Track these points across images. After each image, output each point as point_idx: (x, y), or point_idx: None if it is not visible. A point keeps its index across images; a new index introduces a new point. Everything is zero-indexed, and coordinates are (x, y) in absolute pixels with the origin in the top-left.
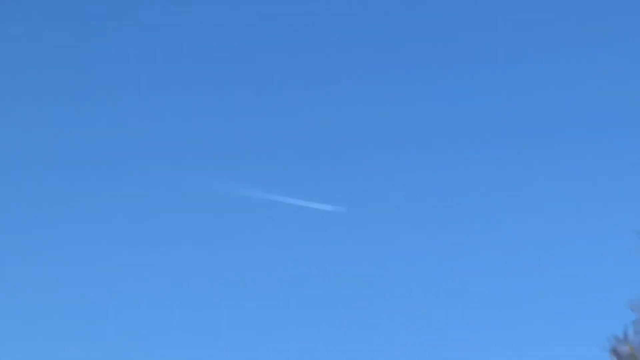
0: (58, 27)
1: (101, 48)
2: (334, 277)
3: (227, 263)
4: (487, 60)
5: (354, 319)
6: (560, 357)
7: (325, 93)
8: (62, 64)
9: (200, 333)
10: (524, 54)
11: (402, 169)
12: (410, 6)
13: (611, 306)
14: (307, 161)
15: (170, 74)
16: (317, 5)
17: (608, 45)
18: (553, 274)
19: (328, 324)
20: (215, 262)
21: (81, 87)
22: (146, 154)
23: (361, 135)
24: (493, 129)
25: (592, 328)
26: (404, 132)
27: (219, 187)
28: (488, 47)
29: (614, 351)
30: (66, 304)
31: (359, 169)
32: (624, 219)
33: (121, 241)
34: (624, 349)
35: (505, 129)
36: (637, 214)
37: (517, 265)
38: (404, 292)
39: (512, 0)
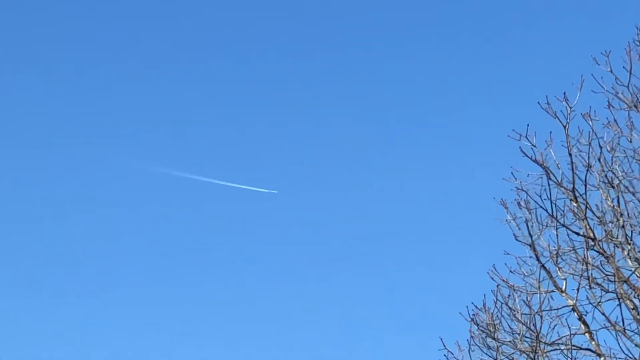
0: None
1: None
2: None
3: (168, 242)
4: None
5: (284, 295)
6: (421, 325)
7: (261, 75)
8: None
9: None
10: None
11: (331, 153)
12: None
13: (472, 274)
14: (244, 146)
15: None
16: None
17: None
18: (414, 241)
19: (263, 300)
20: (154, 240)
21: None
22: (75, 133)
23: (294, 124)
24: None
25: (453, 297)
26: (334, 118)
27: (159, 170)
28: None
29: (473, 320)
30: None
31: (291, 153)
32: (485, 186)
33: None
34: (483, 317)
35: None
36: (499, 181)
37: (376, 233)
38: (334, 269)
39: None
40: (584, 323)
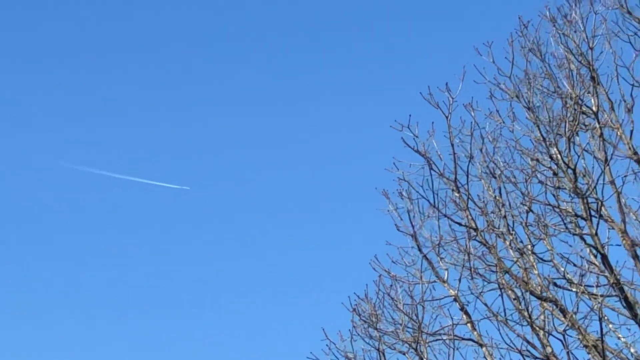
0: None
1: None
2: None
3: (77, 238)
4: None
5: (195, 289)
6: (303, 316)
7: (167, 77)
8: None
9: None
10: None
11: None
12: None
13: (354, 265)
14: (154, 143)
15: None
16: None
17: None
18: (297, 232)
19: (172, 295)
20: (64, 236)
21: None
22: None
23: (206, 122)
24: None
25: (335, 287)
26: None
27: (69, 164)
28: None
29: (355, 310)
30: None
31: (203, 151)
32: (367, 177)
33: None
34: (366, 307)
35: None
36: (381, 171)
37: (259, 220)
38: (245, 265)
39: None
40: (466, 313)
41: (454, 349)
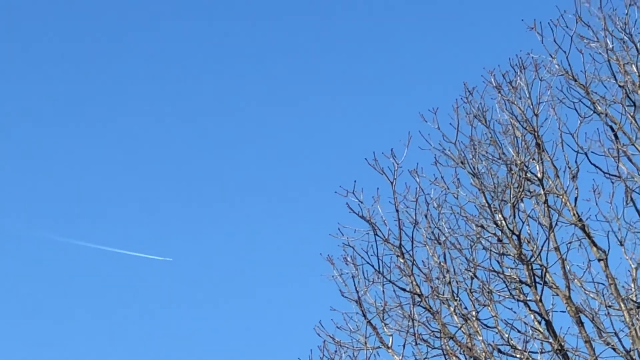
0: None
1: None
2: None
3: (59, 311)
4: None
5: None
6: None
7: (149, 150)
8: None
9: None
10: None
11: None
12: None
13: (298, 330)
14: (137, 214)
15: None
16: None
17: None
18: (243, 294)
19: None
20: (43, 309)
21: None
22: None
23: (189, 193)
24: None
25: (280, 353)
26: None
27: (50, 235)
28: None
29: None
30: None
31: (186, 222)
32: (312, 242)
33: None
34: None
35: None
36: (325, 237)
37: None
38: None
39: None
40: None
41: None
